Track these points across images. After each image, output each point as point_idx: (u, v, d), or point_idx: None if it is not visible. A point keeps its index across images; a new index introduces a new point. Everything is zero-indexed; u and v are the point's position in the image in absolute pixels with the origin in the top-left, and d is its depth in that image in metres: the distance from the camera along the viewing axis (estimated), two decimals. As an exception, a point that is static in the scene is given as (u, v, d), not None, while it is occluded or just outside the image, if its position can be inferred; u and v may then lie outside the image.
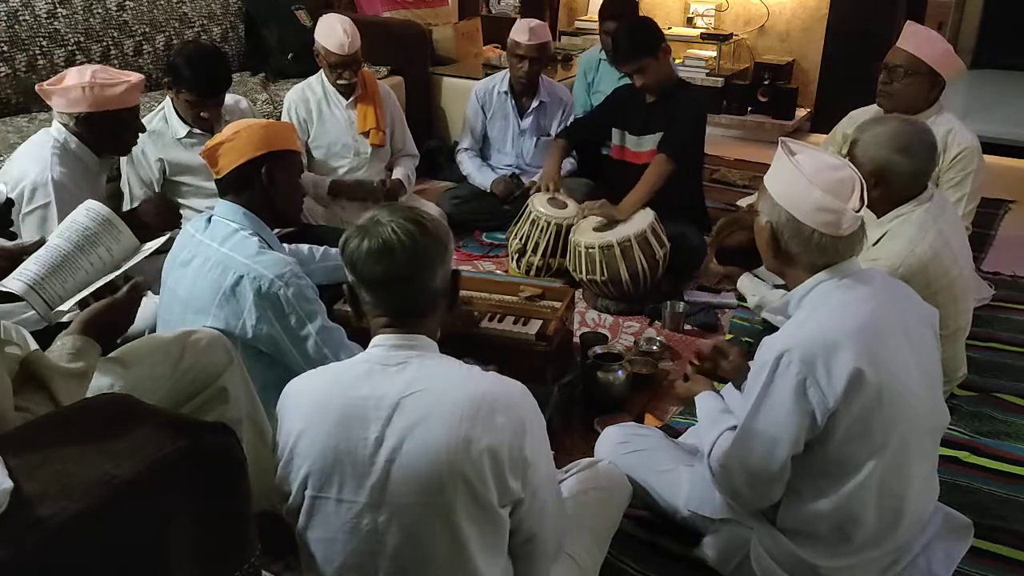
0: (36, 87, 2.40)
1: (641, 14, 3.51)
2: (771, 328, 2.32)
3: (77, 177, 2.38)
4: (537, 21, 3.64)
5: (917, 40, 2.69)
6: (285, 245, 2.39)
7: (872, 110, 2.92)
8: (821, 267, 1.58)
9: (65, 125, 2.39)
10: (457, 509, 1.27)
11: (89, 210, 1.69)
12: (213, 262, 1.90)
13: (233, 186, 1.97)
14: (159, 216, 2.49)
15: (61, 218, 2.30)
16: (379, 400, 1.30)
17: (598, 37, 5.73)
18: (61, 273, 1.61)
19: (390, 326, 1.37)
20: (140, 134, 2.55)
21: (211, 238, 1.93)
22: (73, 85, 2.34)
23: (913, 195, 2.11)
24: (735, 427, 1.67)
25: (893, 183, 2.07)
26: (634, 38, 3.12)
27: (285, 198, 2.05)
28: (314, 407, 1.34)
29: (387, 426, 1.28)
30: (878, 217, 2.16)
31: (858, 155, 2.07)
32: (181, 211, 2.87)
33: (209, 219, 1.98)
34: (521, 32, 3.57)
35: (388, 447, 1.28)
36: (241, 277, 1.87)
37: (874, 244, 2.16)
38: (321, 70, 3.36)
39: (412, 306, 1.36)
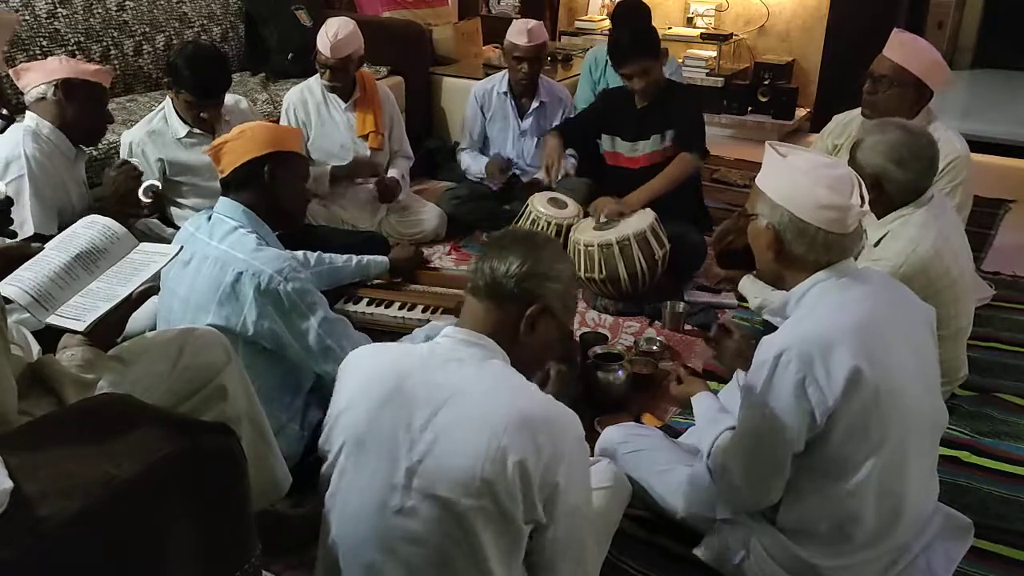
0: (11, 69, 2.49)
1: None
2: (771, 328, 2.32)
3: (52, 156, 2.45)
4: (534, 21, 3.65)
5: (904, 50, 2.61)
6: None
7: (856, 115, 2.88)
8: (823, 266, 1.58)
9: (41, 99, 2.45)
10: (479, 514, 1.28)
11: (94, 222, 1.69)
12: (212, 259, 1.91)
13: (235, 184, 1.98)
14: (115, 193, 2.55)
15: (35, 191, 2.35)
16: (433, 389, 1.32)
17: (598, 37, 5.79)
18: (58, 280, 1.60)
19: (470, 304, 1.42)
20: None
21: (210, 236, 1.94)
22: (50, 60, 2.52)
23: (911, 201, 2.11)
24: (733, 427, 1.67)
25: (888, 191, 2.07)
26: (638, 40, 3.11)
27: (287, 199, 2.05)
28: (372, 378, 1.37)
29: (433, 417, 1.31)
30: (878, 218, 2.16)
31: (858, 158, 2.07)
32: (180, 210, 2.89)
33: (209, 217, 1.98)
34: (519, 34, 3.57)
35: (429, 437, 1.30)
36: (241, 274, 1.88)
37: (875, 244, 2.16)
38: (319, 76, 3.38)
39: (485, 285, 1.39)
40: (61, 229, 2.29)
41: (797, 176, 1.55)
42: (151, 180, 2.62)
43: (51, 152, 2.45)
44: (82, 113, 2.51)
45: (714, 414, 1.78)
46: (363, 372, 1.40)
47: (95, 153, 2.98)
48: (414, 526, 1.31)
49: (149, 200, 2.55)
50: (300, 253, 2.47)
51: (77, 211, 2.46)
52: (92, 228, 1.67)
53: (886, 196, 2.08)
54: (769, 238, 1.60)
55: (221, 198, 2.00)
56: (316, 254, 2.50)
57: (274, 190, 1.99)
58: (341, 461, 1.36)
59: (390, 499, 1.32)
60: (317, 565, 1.47)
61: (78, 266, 1.61)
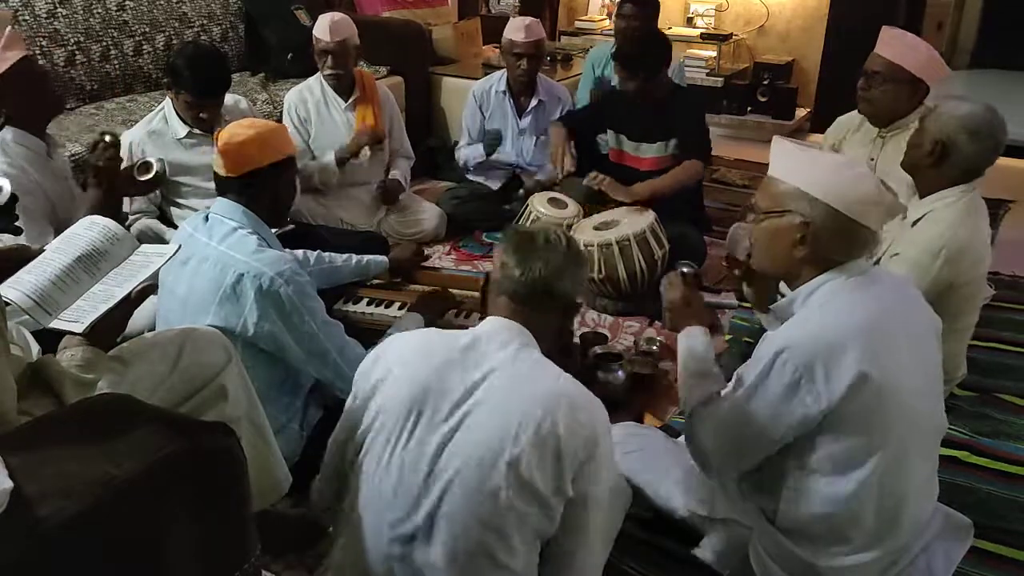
0: None
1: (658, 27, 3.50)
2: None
3: (25, 164, 2.32)
4: (531, 18, 3.66)
5: (896, 46, 2.62)
6: (285, 250, 2.39)
7: (856, 115, 2.89)
8: (841, 263, 1.57)
9: None
10: (508, 482, 1.32)
11: (94, 223, 1.69)
12: (212, 261, 1.90)
13: (239, 186, 1.95)
14: (97, 170, 2.37)
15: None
16: (473, 366, 1.40)
17: (598, 37, 5.80)
18: (60, 283, 1.59)
19: (507, 309, 1.47)
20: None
21: (209, 236, 1.93)
22: None
23: (962, 181, 2.12)
24: (715, 394, 1.68)
25: (951, 161, 2.09)
26: (643, 55, 3.11)
27: (287, 199, 2.09)
28: (417, 353, 1.45)
29: (474, 388, 1.38)
30: (924, 195, 2.17)
31: (929, 122, 2.11)
32: (180, 210, 2.88)
33: (206, 217, 1.98)
34: (516, 30, 3.58)
35: (468, 405, 1.37)
36: (242, 275, 1.87)
37: (912, 224, 2.16)
38: (320, 71, 3.38)
39: (532, 291, 1.45)
40: (56, 229, 2.28)
41: (842, 171, 1.53)
42: (146, 158, 2.58)
43: (23, 157, 2.33)
44: (20, 102, 2.32)
45: (703, 364, 1.76)
46: (411, 345, 1.48)
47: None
48: (438, 489, 1.35)
49: (148, 177, 2.48)
50: (300, 252, 2.46)
51: (61, 208, 2.39)
52: (92, 230, 1.67)
53: (947, 167, 2.10)
54: (800, 235, 1.55)
55: (219, 198, 1.99)
56: (316, 253, 2.49)
57: (280, 192, 2.02)
58: (383, 421, 1.42)
59: (421, 461, 1.37)
60: (337, 540, 1.53)
61: (79, 269, 1.60)
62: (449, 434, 1.36)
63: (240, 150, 1.92)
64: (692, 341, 1.82)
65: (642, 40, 3.20)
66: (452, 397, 1.38)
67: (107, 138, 2.39)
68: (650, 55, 3.13)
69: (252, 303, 1.88)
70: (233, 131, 1.94)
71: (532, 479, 1.32)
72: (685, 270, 1.86)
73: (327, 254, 2.52)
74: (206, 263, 1.91)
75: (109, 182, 2.37)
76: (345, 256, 2.56)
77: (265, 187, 1.97)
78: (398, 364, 1.45)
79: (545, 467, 1.33)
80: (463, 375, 1.39)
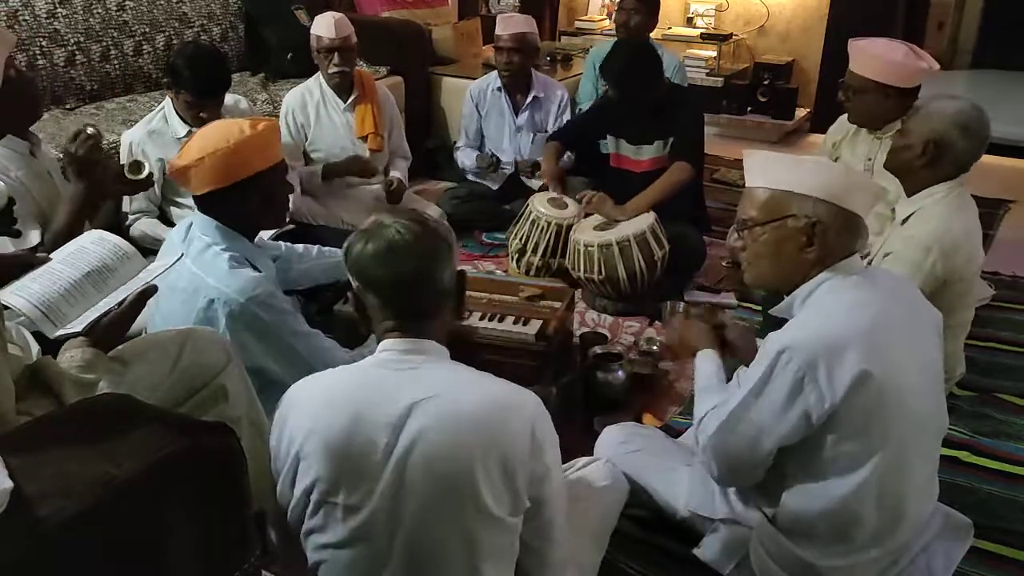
0: None
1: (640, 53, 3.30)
2: (773, 328, 2.32)
3: (9, 164, 2.25)
4: (518, 15, 3.66)
5: (858, 59, 2.70)
6: (282, 244, 2.38)
7: None
8: (840, 259, 1.58)
9: None
10: (467, 515, 1.28)
11: (104, 239, 1.70)
12: (186, 280, 1.88)
13: (203, 206, 1.93)
14: (78, 163, 2.20)
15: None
16: (391, 405, 1.29)
17: (598, 37, 5.80)
18: (68, 297, 1.60)
19: (397, 330, 1.36)
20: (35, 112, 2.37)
21: (187, 251, 1.90)
22: None
23: (951, 177, 2.15)
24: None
25: (943, 158, 2.12)
26: (631, 69, 3.08)
27: (260, 213, 1.99)
28: (324, 409, 1.32)
29: (400, 432, 1.27)
30: (908, 195, 2.20)
31: (916, 121, 2.14)
32: (180, 210, 2.88)
33: (190, 226, 1.95)
34: (499, 25, 3.62)
35: (400, 452, 1.27)
36: (212, 301, 1.86)
37: (902, 223, 2.17)
38: (319, 72, 3.38)
39: (419, 307, 1.36)
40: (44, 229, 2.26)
41: (825, 168, 1.57)
42: (136, 158, 2.51)
43: (5, 157, 2.26)
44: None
45: (714, 382, 1.76)
46: (316, 402, 1.34)
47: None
48: (400, 545, 1.30)
49: (139, 177, 2.37)
50: (300, 246, 2.46)
51: (48, 209, 2.32)
52: (102, 246, 1.69)
53: (940, 164, 2.13)
54: (807, 237, 1.56)
55: (197, 213, 1.95)
56: (317, 248, 2.49)
57: (245, 210, 1.94)
58: (314, 499, 1.32)
59: (371, 526, 1.30)
60: None
61: (88, 284, 1.62)
62: (390, 494, 1.27)
63: (186, 172, 1.86)
64: (700, 364, 1.83)
65: (628, 57, 3.14)
66: (375, 456, 1.27)
67: (89, 130, 2.25)
68: (636, 71, 3.08)
69: (224, 329, 1.86)
70: (188, 148, 1.87)
71: (491, 509, 1.28)
72: (680, 306, 1.90)
73: (328, 248, 2.52)
74: (182, 280, 1.89)
75: (91, 175, 2.22)
76: (347, 250, 2.55)
77: (227, 207, 1.91)
78: (306, 436, 1.31)
79: (500, 495, 1.29)
80: (379, 425, 1.28)
